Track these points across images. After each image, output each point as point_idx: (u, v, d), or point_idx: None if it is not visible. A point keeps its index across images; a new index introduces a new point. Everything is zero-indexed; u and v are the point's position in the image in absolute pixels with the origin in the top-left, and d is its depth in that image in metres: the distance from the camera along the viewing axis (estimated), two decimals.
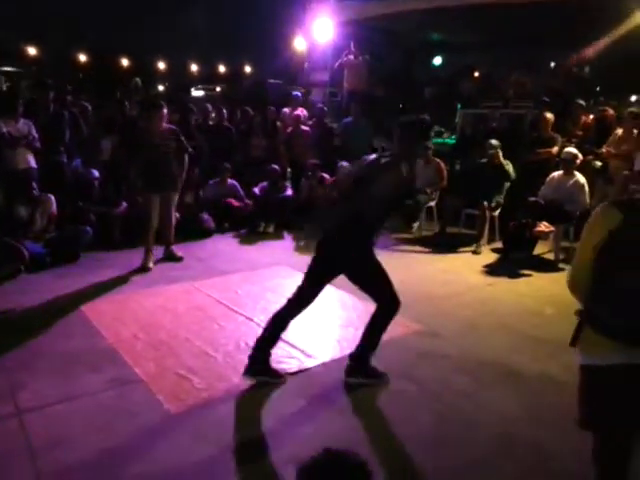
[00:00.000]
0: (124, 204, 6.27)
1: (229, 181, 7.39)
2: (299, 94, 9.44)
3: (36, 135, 5.77)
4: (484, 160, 6.76)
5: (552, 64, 10.69)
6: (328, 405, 3.02)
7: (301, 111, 8.60)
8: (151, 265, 5.38)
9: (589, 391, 1.91)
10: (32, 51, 27.92)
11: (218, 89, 17.83)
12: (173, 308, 4.36)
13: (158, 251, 5.63)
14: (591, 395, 1.91)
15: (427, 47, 11.11)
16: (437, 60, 11.73)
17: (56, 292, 4.59)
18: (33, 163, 5.77)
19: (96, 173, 6.38)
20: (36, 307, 4.31)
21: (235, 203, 7.22)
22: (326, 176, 7.54)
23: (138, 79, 10.41)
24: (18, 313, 4.19)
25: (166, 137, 5.36)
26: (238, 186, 7.42)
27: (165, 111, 5.37)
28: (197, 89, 17.95)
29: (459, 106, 10.04)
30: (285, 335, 3.82)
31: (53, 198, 5.60)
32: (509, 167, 6.56)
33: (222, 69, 32.32)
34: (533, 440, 2.72)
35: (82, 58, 29.37)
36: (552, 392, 3.21)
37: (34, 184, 5.52)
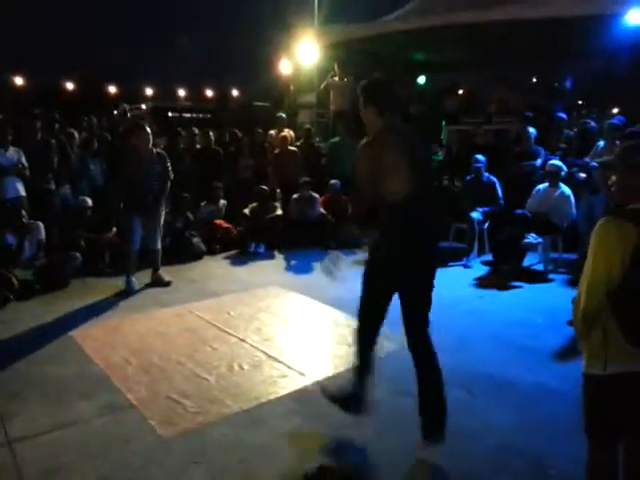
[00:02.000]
0: (114, 229, 6.26)
1: (221, 202, 7.42)
2: (284, 115, 9.55)
3: (26, 163, 5.78)
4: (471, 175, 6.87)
5: (534, 79, 10.90)
6: (324, 422, 3.00)
7: (288, 132, 8.69)
8: (134, 287, 5.37)
9: (616, 399, 1.92)
10: (19, 81, 28.01)
11: (143, 107, 17.29)
12: (165, 331, 4.33)
13: (146, 273, 5.62)
14: (617, 402, 1.92)
15: (410, 67, 11.30)
16: (421, 79, 11.93)
17: (46, 319, 4.56)
18: (22, 191, 5.77)
19: (89, 201, 6.38)
20: (26, 334, 4.27)
21: (224, 224, 7.23)
22: (315, 195, 7.59)
23: (126, 105, 10.48)
24: (8, 341, 4.14)
25: (152, 159, 5.38)
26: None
27: (149, 131, 5.41)
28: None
29: (444, 123, 10.19)
30: (280, 355, 3.85)
31: (42, 225, 5.60)
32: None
33: (209, 93, 32.62)
34: (529, 449, 2.72)
35: (69, 86, 29.50)
36: (546, 401, 3.21)
37: (23, 212, 5.51)
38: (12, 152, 5.74)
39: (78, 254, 5.75)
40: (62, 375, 3.56)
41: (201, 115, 17.31)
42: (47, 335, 4.25)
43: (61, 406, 3.16)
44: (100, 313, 4.79)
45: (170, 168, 5.55)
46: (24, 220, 5.47)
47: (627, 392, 1.90)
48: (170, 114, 16.21)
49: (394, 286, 2.84)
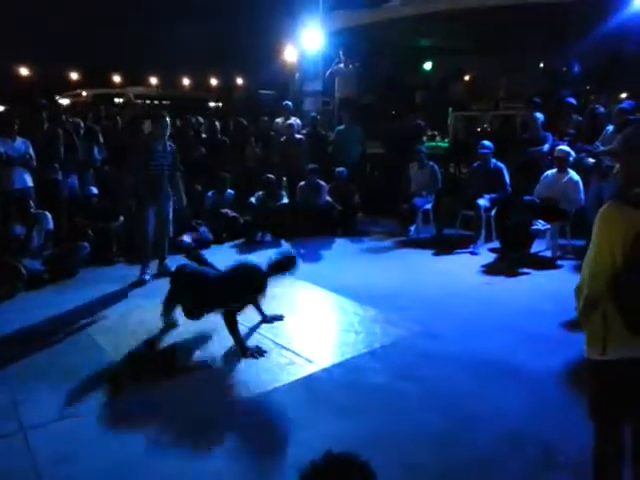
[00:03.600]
0: (121, 218, 6.28)
1: (228, 191, 7.43)
2: (290, 103, 9.48)
3: (33, 154, 5.79)
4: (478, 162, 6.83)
5: (541, 65, 10.77)
6: (332, 408, 3.02)
7: (294, 120, 8.66)
8: (147, 277, 5.38)
9: (617, 384, 1.92)
10: (24, 71, 28.00)
11: (84, 93, 16.28)
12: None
13: (153, 265, 5.64)
14: (618, 387, 1.93)
15: (416, 53, 11.20)
16: (427, 65, 11.83)
17: (56, 308, 4.59)
18: (29, 182, 5.79)
19: (94, 190, 6.40)
20: (36, 324, 4.29)
21: (231, 213, 7.24)
22: (322, 183, 7.57)
23: (131, 94, 10.46)
24: (19, 330, 4.18)
25: (167, 152, 5.37)
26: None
27: (168, 121, 5.37)
28: (63, 97, 16.27)
29: (450, 109, 10.12)
30: (287, 343, 3.86)
31: (50, 215, 5.62)
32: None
33: (214, 82, 32.49)
34: (537, 436, 2.72)
35: (74, 76, 29.47)
36: (554, 387, 3.21)
37: (31, 202, 5.53)
38: (19, 143, 5.75)
39: (86, 244, 5.77)
40: (73, 363, 3.59)
41: (157, 102, 16.28)
42: (57, 324, 4.29)
43: (72, 394, 3.19)
44: (109, 302, 4.82)
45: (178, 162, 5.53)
46: (32, 210, 5.49)
47: (627, 377, 1.90)
48: (117, 100, 15.20)
49: None
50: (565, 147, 6.27)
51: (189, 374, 3.46)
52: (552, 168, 6.22)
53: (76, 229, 5.99)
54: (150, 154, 5.29)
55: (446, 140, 9.76)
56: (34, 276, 5.16)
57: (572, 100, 7.71)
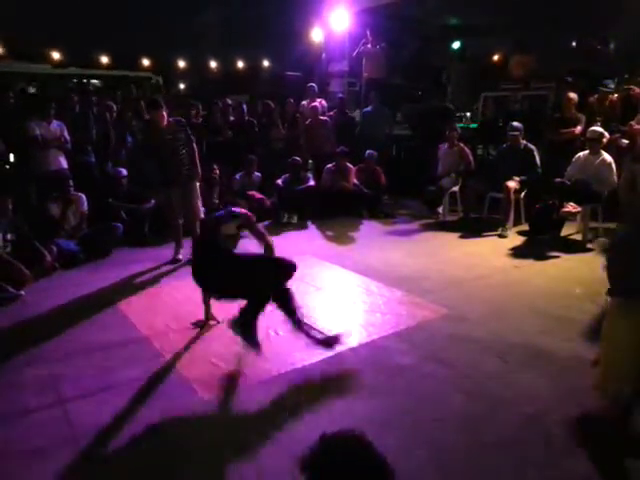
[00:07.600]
0: (152, 201, 6.40)
1: (255, 173, 7.48)
2: (314, 85, 9.40)
3: (68, 137, 5.93)
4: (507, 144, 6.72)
5: (573, 43, 10.44)
6: (358, 387, 3.07)
7: (319, 102, 8.61)
8: (181, 257, 5.48)
9: None
10: (56, 55, 28.38)
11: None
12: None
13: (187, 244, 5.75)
14: None
15: (444, 32, 10.98)
16: (456, 44, 11.59)
17: (90, 287, 4.74)
18: (64, 164, 5.94)
19: (124, 171, 6.54)
20: (72, 302, 4.45)
21: (257, 195, 7.28)
22: (350, 166, 7.56)
23: (159, 78, 10.54)
24: (55, 308, 4.33)
25: (173, 131, 5.27)
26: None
27: (164, 111, 5.23)
28: None
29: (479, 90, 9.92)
30: (314, 323, 3.92)
31: (84, 196, 5.77)
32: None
33: (240, 64, 32.41)
34: (565, 419, 2.71)
35: (104, 60, 29.75)
36: (583, 372, 3.17)
37: (71, 182, 5.67)
38: (55, 125, 5.89)
39: (120, 224, 5.91)
40: (107, 340, 3.71)
41: None
42: (92, 302, 4.43)
43: (107, 369, 3.31)
44: (141, 281, 4.95)
45: (190, 132, 5.42)
46: (70, 189, 5.64)
47: None
48: None
49: None
50: (598, 128, 6.11)
51: (219, 353, 3.53)
52: (584, 149, 6.09)
53: (109, 210, 6.13)
54: (157, 139, 5.20)
55: (475, 121, 9.60)
56: (69, 255, 5.31)
57: (610, 84, 7.48)
